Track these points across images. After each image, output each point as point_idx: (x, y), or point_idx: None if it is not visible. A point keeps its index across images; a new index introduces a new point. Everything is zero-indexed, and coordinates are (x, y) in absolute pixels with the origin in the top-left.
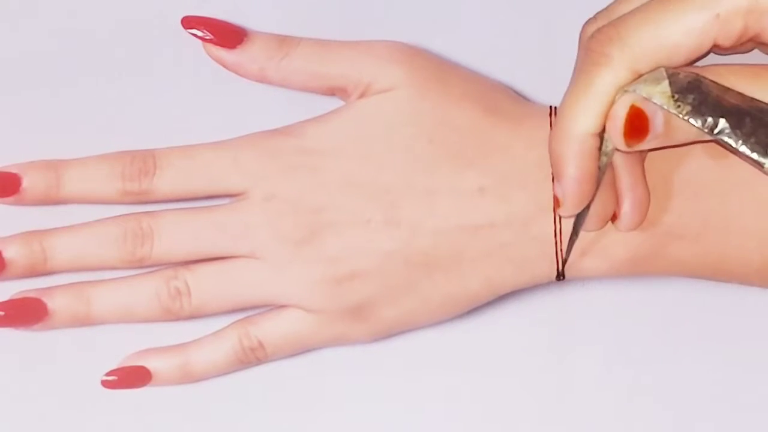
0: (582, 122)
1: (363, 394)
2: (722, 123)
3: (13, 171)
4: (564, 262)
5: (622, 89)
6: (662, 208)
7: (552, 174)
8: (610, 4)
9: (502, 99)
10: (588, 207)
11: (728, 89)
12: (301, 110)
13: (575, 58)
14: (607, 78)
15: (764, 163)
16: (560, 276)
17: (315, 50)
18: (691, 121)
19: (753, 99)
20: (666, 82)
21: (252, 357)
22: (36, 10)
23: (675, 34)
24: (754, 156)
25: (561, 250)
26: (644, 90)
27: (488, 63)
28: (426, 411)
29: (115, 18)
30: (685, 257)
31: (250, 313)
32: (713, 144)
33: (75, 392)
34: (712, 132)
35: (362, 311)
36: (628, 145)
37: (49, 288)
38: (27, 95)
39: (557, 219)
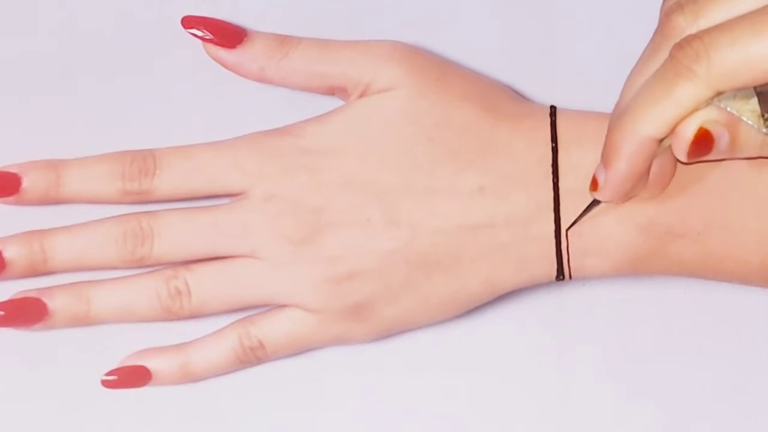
0: (651, 127)
1: (363, 394)
2: None
3: (14, 171)
4: (573, 223)
5: (709, 101)
6: (662, 207)
7: (600, 158)
8: None
9: (502, 99)
10: None
11: None
12: (301, 110)
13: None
14: (688, 92)
15: None
16: (560, 276)
17: (315, 50)
18: None
19: None
20: (755, 100)
21: (252, 357)
22: (36, 10)
23: (764, 61)
24: None
25: (562, 250)
26: (734, 106)
27: (488, 63)
28: (426, 411)
29: (115, 18)
30: (686, 257)
31: (250, 312)
32: None
33: (75, 392)
34: None
35: (362, 311)
36: (690, 160)
37: (49, 288)
38: (27, 95)
39: (557, 219)
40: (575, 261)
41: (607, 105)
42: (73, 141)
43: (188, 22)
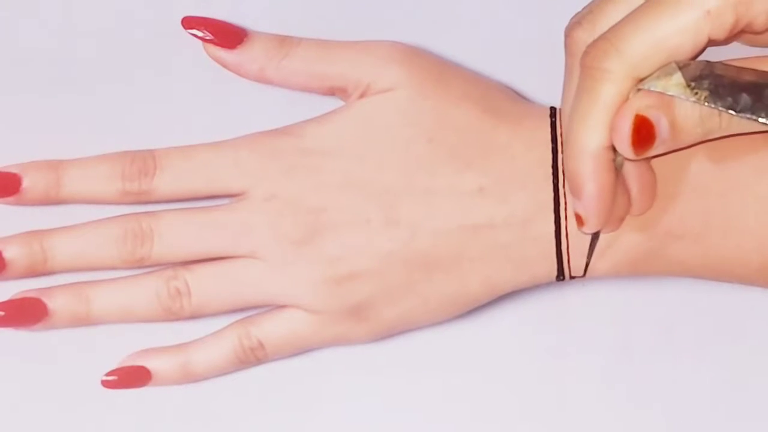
0: (593, 138)
1: (363, 394)
2: (743, 100)
3: (14, 171)
4: (586, 266)
5: (636, 88)
6: (662, 208)
7: (570, 191)
8: (593, 4)
9: (502, 99)
10: None
11: (741, 68)
12: (301, 110)
13: (564, 63)
14: (611, 91)
15: None
16: (560, 276)
17: (315, 50)
18: (712, 105)
19: (766, 72)
20: (678, 74)
21: (252, 357)
22: (36, 10)
23: (670, 37)
24: None
25: (562, 250)
26: (658, 85)
27: (488, 63)
28: (426, 411)
29: (115, 18)
30: (686, 257)
31: (250, 313)
32: (714, 144)
33: (75, 392)
34: (736, 110)
35: (362, 311)
36: (637, 154)
37: (49, 288)
38: (27, 95)
39: (557, 219)
40: (575, 261)
41: None
42: (73, 141)
43: (188, 22)
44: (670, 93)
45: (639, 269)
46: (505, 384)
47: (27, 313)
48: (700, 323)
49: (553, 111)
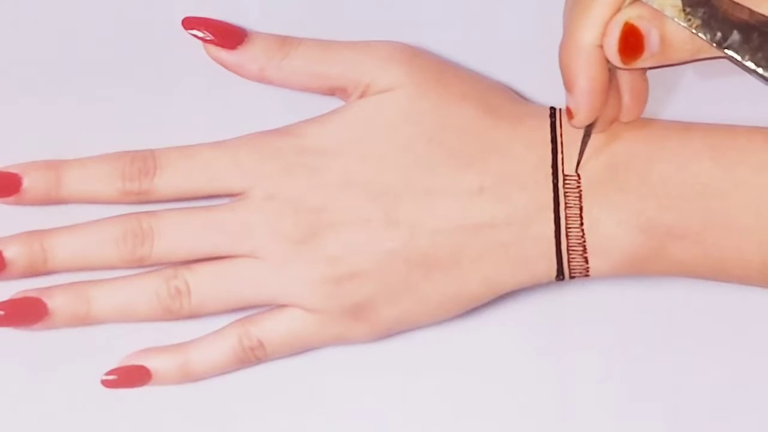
0: (588, 35)
1: (362, 394)
2: (732, 37)
3: (14, 171)
4: (578, 163)
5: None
6: (662, 208)
7: (564, 85)
8: None
9: (502, 99)
10: None
11: (737, 4)
12: (301, 110)
13: None
14: None
15: None
16: (560, 276)
17: (315, 50)
18: (701, 34)
19: (761, 14)
20: None
21: (252, 356)
22: (36, 10)
23: None
24: (759, 70)
25: (561, 250)
26: (655, 1)
27: (488, 63)
28: (425, 411)
29: (115, 18)
30: (686, 257)
31: (250, 312)
32: (714, 144)
33: (75, 392)
34: (721, 46)
35: (362, 311)
36: (624, 62)
37: (49, 288)
38: (27, 96)
39: (557, 219)
40: (575, 261)
41: None
42: (73, 141)
43: (189, 23)
44: (665, 13)
45: (639, 269)
46: (504, 384)
47: (27, 312)
48: (700, 323)
49: (552, 111)
